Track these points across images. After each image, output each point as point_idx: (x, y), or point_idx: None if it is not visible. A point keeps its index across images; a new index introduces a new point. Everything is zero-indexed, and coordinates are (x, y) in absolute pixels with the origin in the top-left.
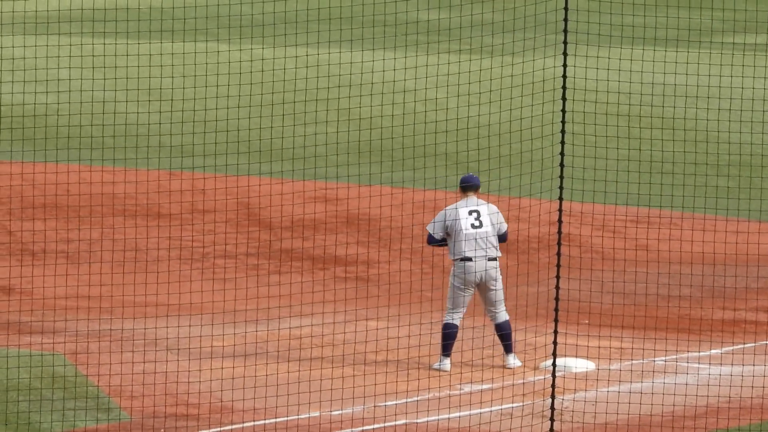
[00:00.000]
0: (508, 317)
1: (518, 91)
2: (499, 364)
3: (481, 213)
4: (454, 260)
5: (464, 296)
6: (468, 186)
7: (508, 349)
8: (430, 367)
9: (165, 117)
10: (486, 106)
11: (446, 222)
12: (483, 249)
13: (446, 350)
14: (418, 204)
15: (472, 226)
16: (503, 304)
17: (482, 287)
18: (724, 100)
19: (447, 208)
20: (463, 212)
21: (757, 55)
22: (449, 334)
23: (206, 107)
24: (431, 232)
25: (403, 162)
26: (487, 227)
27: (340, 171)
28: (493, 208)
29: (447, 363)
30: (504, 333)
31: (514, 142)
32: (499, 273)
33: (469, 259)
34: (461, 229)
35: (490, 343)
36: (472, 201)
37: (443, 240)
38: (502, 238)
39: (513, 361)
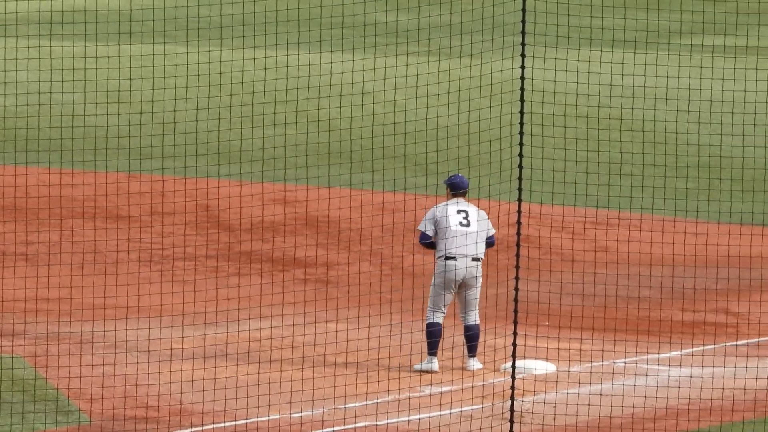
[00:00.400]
0: (479, 321)
1: (477, 93)
2: (459, 366)
3: (470, 213)
4: (438, 258)
5: (445, 295)
6: (457, 188)
7: (471, 351)
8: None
9: (124, 119)
10: (445, 107)
11: (436, 218)
12: (468, 247)
13: (432, 349)
14: (377, 206)
15: (460, 224)
16: (477, 307)
17: (462, 286)
18: (683, 101)
19: (436, 205)
20: (452, 209)
21: (715, 57)
22: (433, 333)
23: (165, 109)
24: (423, 230)
25: (362, 164)
26: (474, 227)
27: (299, 173)
28: (483, 213)
29: (435, 363)
30: (472, 334)
31: (473, 144)
32: (480, 274)
33: (453, 258)
34: (449, 226)
35: (450, 345)
36: (462, 202)
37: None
38: (489, 242)
39: (474, 364)
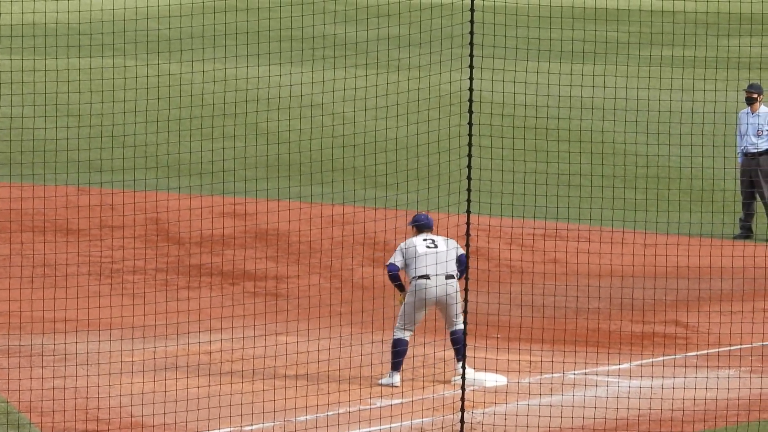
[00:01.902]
0: (462, 327)
1: (426, 105)
2: (408, 378)
3: (437, 240)
4: (411, 279)
5: (415, 314)
6: (422, 225)
7: (458, 355)
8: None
9: (73, 133)
10: (393, 119)
11: (403, 250)
12: (438, 266)
13: (397, 366)
14: (327, 218)
15: (428, 247)
16: (460, 317)
17: (441, 305)
18: (631, 112)
19: (408, 241)
20: (418, 240)
21: (663, 69)
22: (400, 351)
23: (114, 122)
24: (393, 261)
25: (311, 176)
26: (442, 248)
27: (249, 186)
28: (453, 242)
29: (397, 378)
30: (456, 338)
31: (422, 156)
32: (456, 291)
33: (426, 277)
34: (417, 252)
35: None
36: (429, 234)
37: (399, 278)
38: (461, 260)
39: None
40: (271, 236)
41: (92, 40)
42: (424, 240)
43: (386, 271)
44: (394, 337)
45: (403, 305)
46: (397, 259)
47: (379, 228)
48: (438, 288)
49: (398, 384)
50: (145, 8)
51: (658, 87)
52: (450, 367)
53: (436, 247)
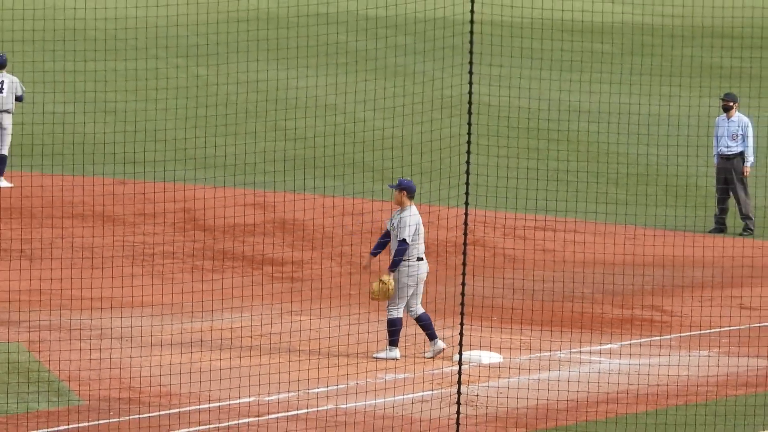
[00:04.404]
0: (423, 309)
1: (429, 107)
2: (411, 354)
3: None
4: (410, 259)
5: (408, 293)
6: (414, 192)
7: (432, 336)
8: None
9: (110, 128)
10: (400, 119)
11: (416, 225)
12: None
13: (395, 342)
14: (339, 209)
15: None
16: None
17: (420, 284)
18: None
19: (410, 212)
20: (418, 216)
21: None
22: (397, 329)
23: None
24: (409, 240)
25: (324, 170)
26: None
27: (270, 179)
28: None
29: (397, 352)
30: (426, 323)
31: (425, 153)
32: None
33: (422, 259)
34: (421, 232)
35: (405, 334)
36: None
37: None
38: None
39: (441, 344)
40: (290, 225)
41: (127, 45)
42: (419, 215)
43: (400, 246)
44: (391, 316)
45: (401, 287)
46: (411, 238)
47: (386, 217)
48: (426, 270)
49: (398, 357)
50: (176, 16)
51: (640, 93)
52: (450, 346)
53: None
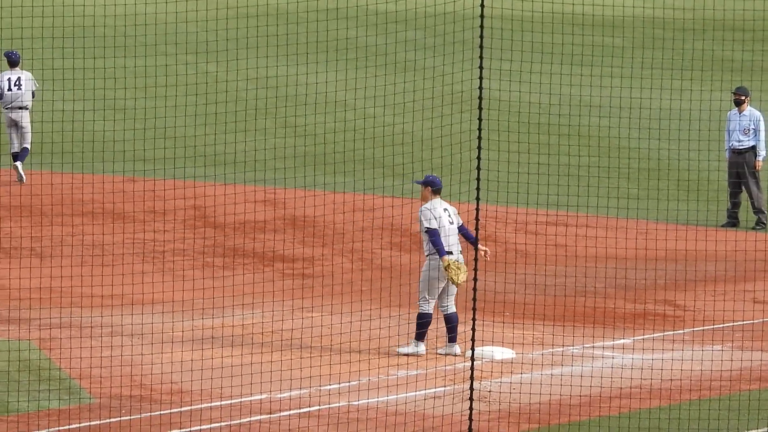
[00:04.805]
0: (455, 310)
1: (439, 102)
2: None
3: (450, 211)
4: (433, 253)
5: (439, 287)
6: (438, 188)
7: (453, 339)
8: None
9: (120, 125)
10: (410, 115)
11: (435, 216)
12: (456, 244)
13: (421, 336)
14: (350, 205)
15: (449, 222)
16: (454, 297)
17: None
18: (627, 110)
19: (428, 206)
20: (440, 208)
21: (656, 70)
22: (426, 322)
23: (156, 116)
24: (436, 227)
25: (335, 166)
26: (455, 223)
27: (281, 175)
28: (454, 209)
29: (423, 347)
30: (453, 324)
31: (435, 148)
32: None
33: (450, 253)
34: (444, 225)
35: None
36: (442, 201)
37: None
38: (464, 231)
39: (457, 349)
40: (301, 221)
41: (137, 42)
42: (445, 210)
43: (430, 236)
44: (422, 310)
45: (426, 281)
46: (436, 225)
47: (397, 213)
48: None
49: (423, 352)
50: (185, 13)
51: (651, 87)
52: (460, 340)
53: (452, 222)
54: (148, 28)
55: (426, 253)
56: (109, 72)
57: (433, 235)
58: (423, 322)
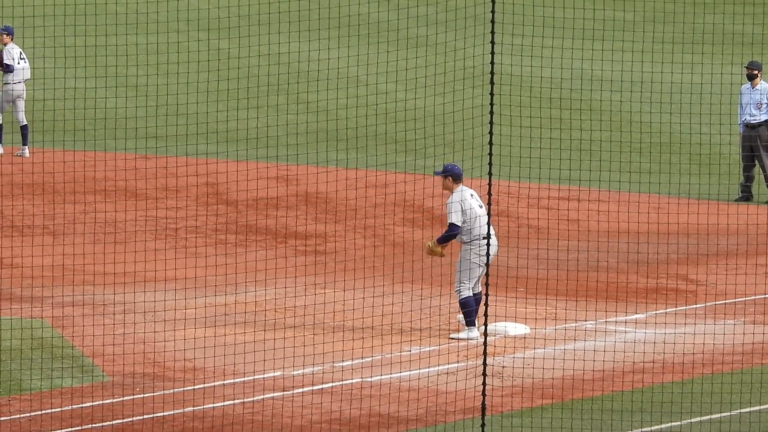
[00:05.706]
0: (480, 289)
1: (452, 78)
2: (435, 326)
3: (476, 196)
4: (473, 239)
5: (480, 271)
6: (460, 177)
7: (471, 323)
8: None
9: (132, 103)
10: (422, 91)
11: (463, 208)
12: (491, 227)
13: (472, 322)
14: (362, 181)
15: (480, 206)
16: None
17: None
18: (640, 85)
19: (456, 197)
20: (469, 197)
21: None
22: (472, 308)
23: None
24: (458, 223)
25: (347, 142)
26: (484, 209)
27: (294, 152)
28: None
29: (476, 332)
30: (471, 309)
31: (448, 124)
32: None
33: (489, 236)
34: (477, 214)
35: (430, 305)
36: (467, 188)
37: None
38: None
39: (475, 333)
40: (314, 198)
41: (149, 19)
42: (472, 196)
43: (450, 230)
44: (462, 298)
45: (467, 265)
46: (460, 219)
47: (409, 189)
48: (496, 248)
49: (477, 337)
50: None
51: (663, 61)
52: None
53: (481, 207)
54: (161, 5)
55: (465, 240)
56: (121, 49)
57: (453, 230)
58: (469, 309)
